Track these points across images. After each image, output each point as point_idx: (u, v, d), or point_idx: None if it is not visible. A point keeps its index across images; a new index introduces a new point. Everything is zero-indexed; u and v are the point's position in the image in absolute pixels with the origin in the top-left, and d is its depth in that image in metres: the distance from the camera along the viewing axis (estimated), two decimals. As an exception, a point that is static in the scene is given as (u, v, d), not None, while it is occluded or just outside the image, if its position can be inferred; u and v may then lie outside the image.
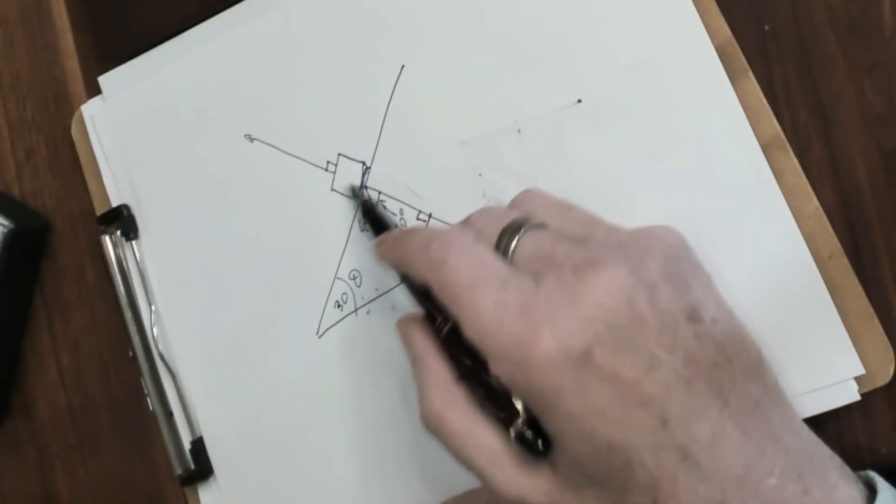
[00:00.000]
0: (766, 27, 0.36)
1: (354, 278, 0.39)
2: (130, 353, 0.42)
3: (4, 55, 0.48)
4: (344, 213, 0.40)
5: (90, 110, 0.45)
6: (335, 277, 0.39)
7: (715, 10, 0.35)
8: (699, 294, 0.27)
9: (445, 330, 0.30)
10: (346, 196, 0.40)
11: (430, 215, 0.38)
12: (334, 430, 0.39)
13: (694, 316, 0.27)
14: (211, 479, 0.41)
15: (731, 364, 0.26)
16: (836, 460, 0.28)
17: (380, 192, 0.39)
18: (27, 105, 0.47)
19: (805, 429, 0.28)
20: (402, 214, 0.39)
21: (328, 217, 0.40)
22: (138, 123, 0.44)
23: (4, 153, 0.47)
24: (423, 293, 0.31)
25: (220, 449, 0.41)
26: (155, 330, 0.42)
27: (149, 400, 0.42)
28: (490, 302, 0.27)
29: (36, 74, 0.47)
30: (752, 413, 0.26)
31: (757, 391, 0.27)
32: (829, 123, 0.35)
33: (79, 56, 0.46)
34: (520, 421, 0.28)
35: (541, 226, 0.30)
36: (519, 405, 0.28)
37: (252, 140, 0.41)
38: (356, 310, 0.39)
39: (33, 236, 0.45)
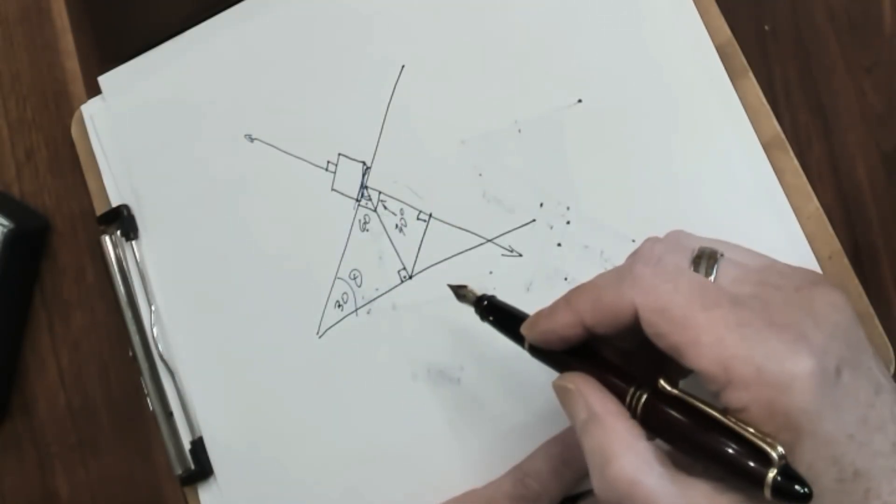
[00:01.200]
0: (766, 27, 0.36)
1: (354, 278, 0.39)
2: (130, 353, 0.42)
3: (4, 55, 0.48)
4: (344, 213, 0.40)
5: (90, 110, 0.45)
6: (335, 277, 0.39)
7: (715, 10, 0.35)
8: None
9: (645, 398, 0.26)
10: (348, 196, 0.40)
11: (430, 215, 0.38)
12: (334, 430, 0.39)
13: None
14: (211, 479, 0.41)
15: None
16: None
17: (380, 192, 0.39)
18: (27, 105, 0.47)
19: None
20: (402, 214, 0.39)
21: (328, 217, 0.40)
22: (138, 123, 0.44)
23: (4, 153, 0.47)
24: (602, 365, 0.28)
25: (220, 449, 0.41)
26: (155, 330, 0.42)
27: (149, 400, 0.42)
28: (732, 322, 0.24)
29: (36, 74, 0.47)
30: None
31: None
32: (829, 123, 0.35)
33: (79, 56, 0.46)
34: (778, 464, 0.23)
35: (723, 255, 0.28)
36: (776, 448, 0.24)
37: (252, 140, 0.41)
38: (356, 310, 0.39)
39: (33, 236, 0.45)
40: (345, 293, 0.39)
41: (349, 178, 0.40)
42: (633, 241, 0.35)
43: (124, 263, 0.43)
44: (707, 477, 0.25)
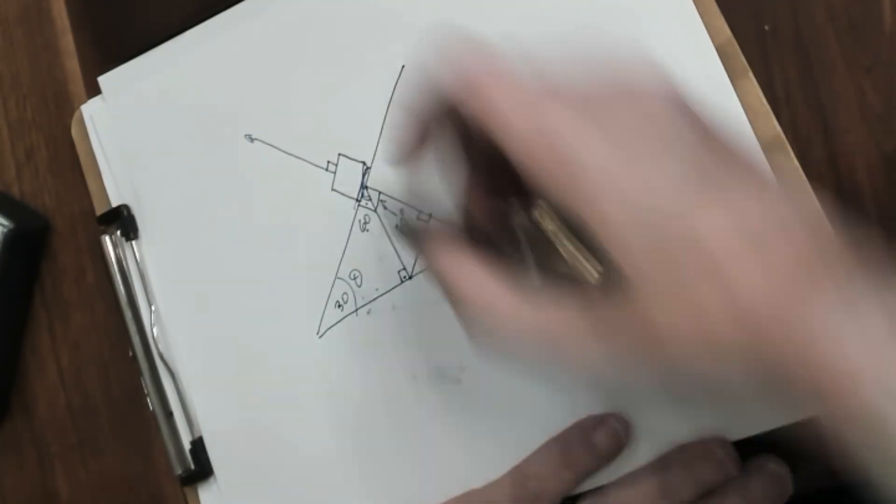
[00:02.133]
0: (766, 27, 0.36)
1: (354, 278, 0.39)
2: (130, 353, 0.42)
3: (4, 55, 0.48)
4: (344, 213, 0.40)
5: (90, 110, 0.45)
6: (335, 277, 0.39)
7: (715, 10, 0.35)
8: None
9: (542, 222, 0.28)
10: (348, 196, 0.40)
11: (430, 215, 0.38)
12: (334, 430, 0.39)
13: None
14: (211, 479, 0.41)
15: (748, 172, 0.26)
16: None
17: (380, 193, 0.39)
18: (27, 105, 0.47)
19: None
20: (402, 214, 0.39)
21: (328, 217, 0.40)
22: (138, 123, 0.44)
23: (4, 153, 0.47)
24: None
25: (220, 449, 0.41)
26: (155, 330, 0.42)
27: (149, 400, 0.42)
28: (522, 96, 0.26)
29: (36, 74, 0.47)
30: None
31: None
32: (829, 123, 0.35)
33: (79, 56, 0.46)
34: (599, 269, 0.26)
35: None
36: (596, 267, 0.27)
37: (252, 140, 0.41)
38: (356, 310, 0.39)
39: (33, 236, 0.45)
40: (345, 293, 0.39)
41: (349, 178, 0.40)
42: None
43: (124, 263, 0.43)
44: (557, 296, 0.27)
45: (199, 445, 0.41)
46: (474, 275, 0.28)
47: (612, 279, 0.26)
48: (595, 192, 0.25)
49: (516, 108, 0.26)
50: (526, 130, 0.26)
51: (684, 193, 0.25)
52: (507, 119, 0.26)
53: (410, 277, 0.38)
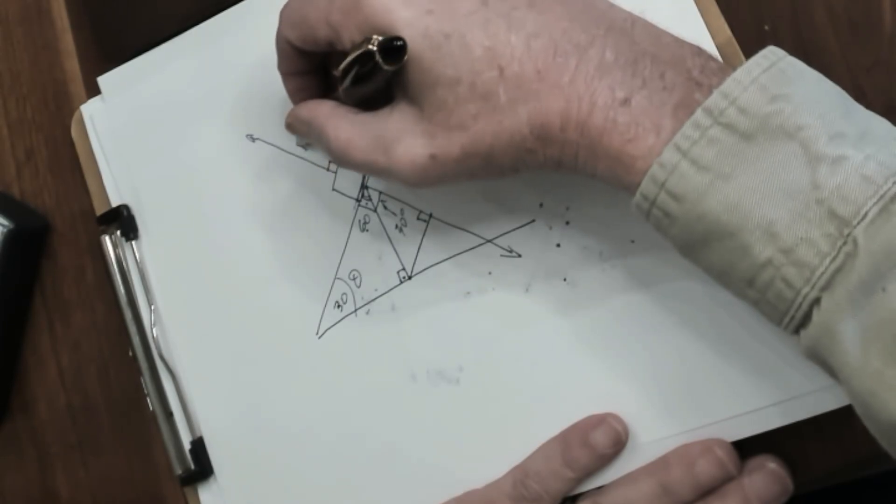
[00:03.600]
0: (766, 27, 0.36)
1: (354, 278, 0.39)
2: (130, 353, 0.42)
3: (4, 55, 0.48)
4: (344, 213, 0.40)
5: (90, 110, 0.45)
6: (335, 277, 0.39)
7: (715, 10, 0.35)
8: None
9: (338, 70, 0.32)
10: (348, 196, 0.40)
11: (430, 215, 0.38)
12: (334, 430, 0.39)
13: None
14: (211, 479, 0.41)
15: None
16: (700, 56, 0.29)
17: (380, 193, 0.39)
18: (27, 105, 0.47)
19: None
20: (402, 214, 0.39)
21: (328, 217, 0.40)
22: (138, 123, 0.44)
23: (4, 153, 0.47)
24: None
25: (220, 449, 0.41)
26: (155, 330, 0.42)
27: (149, 400, 0.42)
28: None
29: (36, 74, 0.47)
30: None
31: None
32: (829, 123, 0.35)
33: (79, 56, 0.46)
34: (376, 42, 0.29)
35: None
36: (371, 39, 0.30)
37: (254, 140, 0.41)
38: (356, 310, 0.39)
39: (33, 236, 0.45)
40: (344, 293, 0.39)
41: (350, 178, 0.40)
42: (633, 241, 0.35)
43: (124, 263, 0.43)
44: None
45: (199, 445, 0.41)
46: (323, 110, 0.34)
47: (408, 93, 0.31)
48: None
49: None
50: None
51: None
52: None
53: (410, 277, 0.38)
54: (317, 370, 0.39)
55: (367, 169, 0.33)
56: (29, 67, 0.47)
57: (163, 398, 0.42)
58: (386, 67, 0.30)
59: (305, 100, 0.36)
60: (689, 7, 0.35)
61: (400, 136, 0.31)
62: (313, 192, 0.40)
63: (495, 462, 0.36)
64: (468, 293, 0.37)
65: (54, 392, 0.45)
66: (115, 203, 0.44)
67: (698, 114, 0.26)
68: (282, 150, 0.41)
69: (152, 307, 0.42)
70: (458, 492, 0.37)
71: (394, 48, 0.30)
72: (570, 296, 0.36)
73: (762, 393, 0.33)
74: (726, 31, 0.35)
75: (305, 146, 0.40)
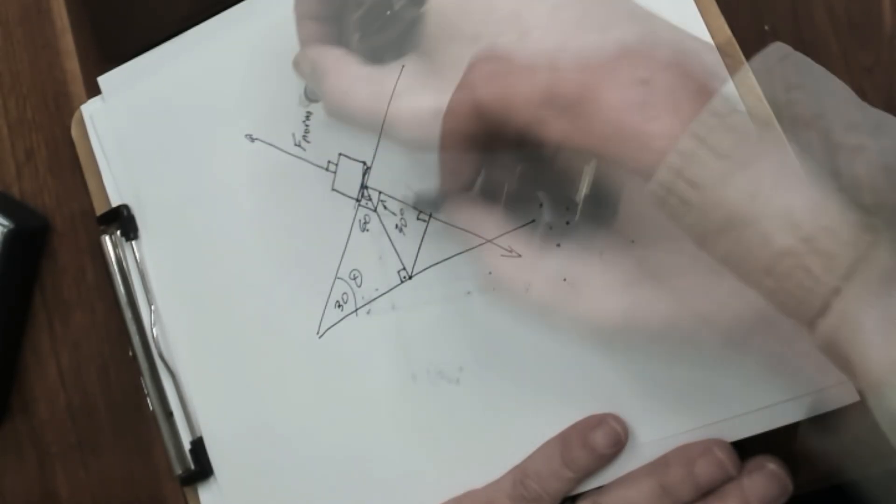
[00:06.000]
0: (766, 27, 0.36)
1: (355, 278, 0.39)
2: (130, 353, 0.42)
3: (4, 55, 0.48)
4: (344, 213, 0.39)
5: (90, 110, 0.45)
6: (335, 277, 0.39)
7: (715, 10, 0.35)
8: None
9: None
10: (348, 196, 0.40)
11: (430, 215, 0.38)
12: (334, 430, 0.39)
13: None
14: (211, 479, 0.41)
15: None
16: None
17: (380, 192, 0.39)
18: (27, 105, 0.47)
19: None
20: (402, 214, 0.39)
21: (328, 217, 0.40)
22: (138, 123, 0.44)
23: (4, 153, 0.47)
24: None
25: (220, 449, 0.41)
26: (155, 330, 0.42)
27: (149, 400, 0.42)
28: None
29: (36, 74, 0.47)
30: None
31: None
32: (830, 123, 0.35)
33: (79, 56, 0.46)
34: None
35: None
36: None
37: (253, 140, 0.41)
38: (356, 310, 0.39)
39: (33, 236, 0.45)
40: (345, 293, 0.39)
41: (349, 178, 0.40)
42: (633, 241, 0.35)
43: (124, 263, 0.43)
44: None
45: (199, 445, 0.41)
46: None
47: None
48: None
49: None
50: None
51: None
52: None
53: (410, 277, 0.38)
54: (317, 370, 0.39)
55: (363, 119, 0.31)
56: (29, 67, 0.47)
57: (163, 398, 0.42)
58: (403, 8, 0.29)
59: (460, 176, 0.34)
60: (689, 7, 0.35)
61: (406, 89, 0.30)
62: (313, 192, 0.40)
63: (495, 462, 0.36)
64: (469, 293, 0.37)
65: (54, 392, 0.45)
66: (115, 203, 0.44)
67: (716, 100, 0.26)
68: (281, 150, 0.41)
69: (152, 307, 0.42)
70: (458, 492, 0.37)
71: None
72: (571, 296, 0.36)
73: (762, 393, 0.33)
74: (726, 31, 0.35)
75: (310, 98, 0.39)
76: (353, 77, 0.32)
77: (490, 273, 0.37)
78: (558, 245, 0.36)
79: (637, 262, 0.27)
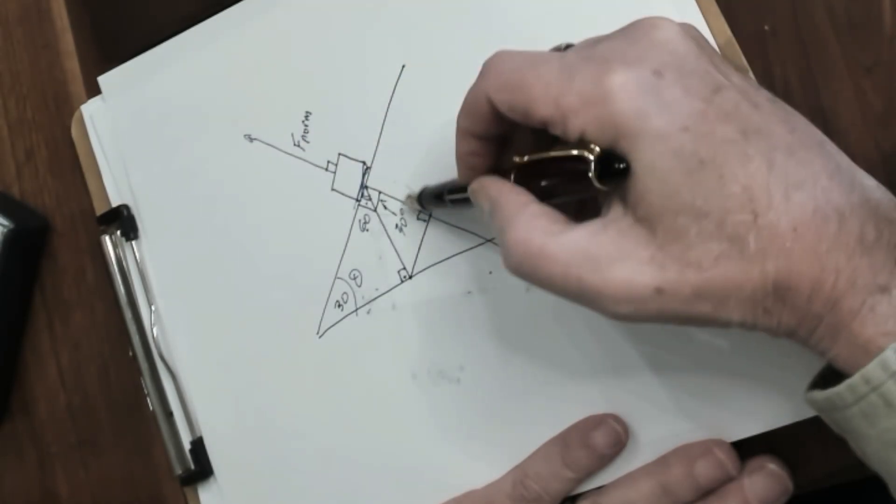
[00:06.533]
0: (766, 27, 0.36)
1: (355, 278, 0.39)
2: (130, 353, 0.42)
3: (4, 55, 0.48)
4: (344, 213, 0.40)
5: (90, 110, 0.45)
6: (335, 277, 0.39)
7: (715, 10, 0.35)
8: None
9: (525, 159, 0.30)
10: (348, 196, 0.40)
11: (430, 215, 0.38)
12: (334, 430, 0.39)
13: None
14: (211, 479, 0.41)
15: (777, 104, 0.28)
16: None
17: (380, 192, 0.39)
18: (27, 105, 0.47)
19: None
20: (402, 214, 0.39)
21: (328, 217, 0.40)
22: (138, 123, 0.44)
23: (4, 153, 0.47)
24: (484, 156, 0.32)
25: (220, 449, 0.41)
26: (155, 330, 0.42)
27: (149, 400, 0.42)
28: (556, 70, 0.28)
29: (36, 74, 0.47)
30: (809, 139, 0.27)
31: (815, 132, 0.28)
32: (829, 123, 0.35)
33: (79, 56, 0.46)
34: (595, 154, 0.26)
35: None
36: (592, 149, 0.27)
37: (252, 140, 0.41)
38: (356, 310, 0.39)
39: (33, 236, 0.45)
40: (345, 293, 0.39)
41: (349, 178, 0.40)
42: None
43: (124, 263, 0.43)
44: (584, 220, 0.28)
45: (199, 445, 0.41)
46: (513, 202, 0.30)
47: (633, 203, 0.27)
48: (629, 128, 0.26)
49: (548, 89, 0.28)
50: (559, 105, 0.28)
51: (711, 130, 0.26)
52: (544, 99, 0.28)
53: (410, 277, 0.38)
54: (317, 370, 0.39)
55: (561, 286, 0.28)
56: (29, 67, 0.47)
57: (163, 398, 0.42)
58: (597, 185, 0.26)
59: (474, 164, 0.32)
60: (689, 7, 0.35)
61: (619, 256, 0.27)
62: (313, 192, 0.40)
63: (495, 462, 0.36)
64: (469, 292, 0.37)
65: (54, 392, 0.45)
66: (115, 203, 0.44)
67: None
68: (280, 150, 0.41)
69: (152, 307, 0.42)
70: (458, 492, 0.37)
71: (612, 169, 0.26)
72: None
73: (762, 393, 0.33)
74: (726, 31, 0.35)
75: (423, 206, 0.38)
76: (543, 235, 0.28)
77: (490, 273, 0.37)
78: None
79: (661, 235, 0.26)
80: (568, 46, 0.31)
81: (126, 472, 0.43)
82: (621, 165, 0.26)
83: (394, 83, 0.39)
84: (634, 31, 0.28)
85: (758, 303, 0.26)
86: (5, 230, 0.43)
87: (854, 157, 0.34)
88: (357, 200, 0.39)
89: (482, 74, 0.30)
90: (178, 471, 0.41)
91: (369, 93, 0.39)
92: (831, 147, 0.27)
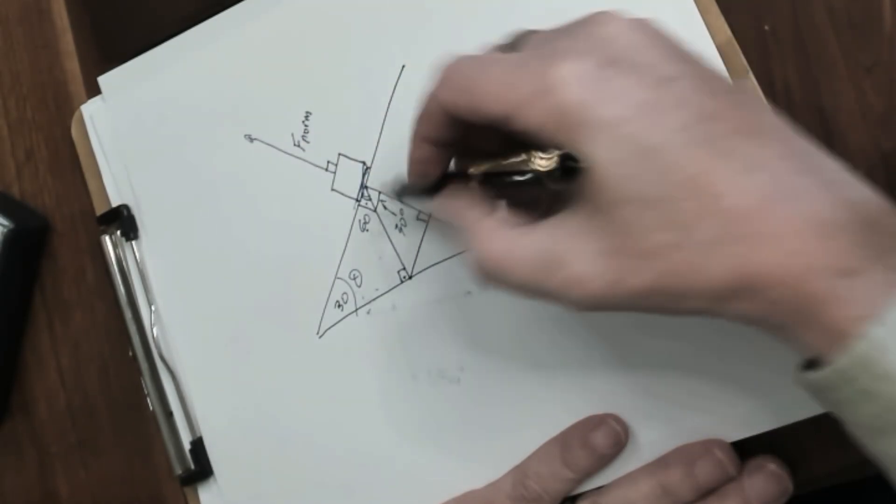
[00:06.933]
0: (766, 27, 0.36)
1: (354, 278, 0.39)
2: (130, 353, 0.42)
3: (4, 55, 0.48)
4: (344, 213, 0.40)
5: (90, 110, 0.45)
6: (335, 277, 0.39)
7: (715, 10, 0.35)
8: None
9: (481, 169, 0.30)
10: (348, 196, 0.40)
11: (430, 215, 0.38)
12: (334, 430, 0.39)
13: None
14: (211, 479, 0.41)
15: (737, 92, 0.28)
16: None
17: (380, 192, 0.39)
18: (27, 105, 0.47)
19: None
20: (402, 214, 0.39)
21: (328, 217, 0.40)
22: (138, 123, 0.44)
23: (4, 153, 0.47)
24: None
25: (220, 449, 0.41)
26: (155, 330, 0.42)
27: (149, 400, 0.42)
28: (508, 68, 0.28)
29: (36, 74, 0.47)
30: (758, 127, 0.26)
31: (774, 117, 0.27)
32: (829, 123, 0.35)
33: (79, 56, 0.46)
34: (545, 156, 0.27)
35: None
36: (541, 155, 0.27)
37: (252, 140, 0.41)
38: (356, 310, 0.39)
39: (33, 236, 0.45)
40: (345, 293, 0.39)
41: (349, 178, 0.40)
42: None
43: (124, 263, 0.43)
44: (547, 217, 0.28)
45: (199, 445, 0.41)
46: (472, 216, 0.30)
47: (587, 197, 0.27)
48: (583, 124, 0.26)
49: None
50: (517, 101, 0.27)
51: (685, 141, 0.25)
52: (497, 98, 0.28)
53: (410, 277, 0.38)
54: (317, 370, 0.39)
55: (525, 290, 0.28)
56: (29, 67, 0.47)
57: (163, 398, 0.42)
58: (551, 186, 0.26)
59: (426, 170, 0.33)
60: (689, 7, 0.35)
61: (573, 255, 0.27)
62: (313, 192, 0.40)
63: (495, 462, 0.36)
64: (469, 292, 0.37)
65: (54, 392, 0.45)
66: (115, 203, 0.44)
67: None
68: (280, 150, 0.41)
69: (152, 307, 0.42)
70: (458, 492, 0.37)
71: (565, 167, 0.26)
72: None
73: (762, 393, 0.33)
74: (726, 31, 0.35)
75: (401, 199, 0.38)
76: (504, 242, 0.28)
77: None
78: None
79: (612, 227, 0.26)
80: (521, 37, 0.31)
81: (126, 472, 0.43)
82: (573, 164, 0.26)
83: (394, 83, 0.39)
84: (584, 26, 0.28)
85: (716, 292, 0.25)
86: (5, 230, 0.43)
87: (854, 157, 0.35)
88: (357, 200, 0.39)
89: (437, 80, 0.30)
90: (178, 471, 0.41)
91: (369, 93, 0.39)
92: (790, 132, 0.27)
